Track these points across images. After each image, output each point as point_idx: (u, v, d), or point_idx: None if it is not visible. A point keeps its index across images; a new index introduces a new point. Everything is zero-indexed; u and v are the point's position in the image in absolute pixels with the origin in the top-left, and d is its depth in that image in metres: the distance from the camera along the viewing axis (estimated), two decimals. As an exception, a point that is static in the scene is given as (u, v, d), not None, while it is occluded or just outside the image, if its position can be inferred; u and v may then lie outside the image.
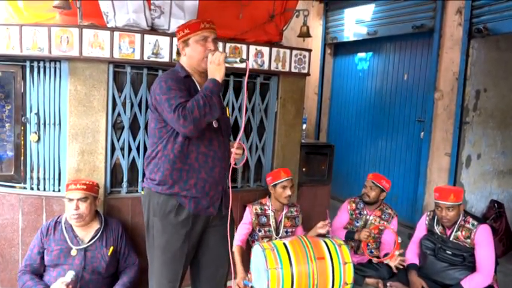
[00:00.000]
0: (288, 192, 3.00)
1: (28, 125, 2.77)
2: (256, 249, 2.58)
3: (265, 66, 3.17)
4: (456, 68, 4.11)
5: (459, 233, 2.82)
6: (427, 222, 3.03)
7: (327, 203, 3.67)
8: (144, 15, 2.75)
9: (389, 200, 3.81)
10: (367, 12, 5.25)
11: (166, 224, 2.03)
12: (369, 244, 3.24)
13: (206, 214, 2.08)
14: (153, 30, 2.84)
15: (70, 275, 2.32)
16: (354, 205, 3.40)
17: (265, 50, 3.15)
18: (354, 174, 5.58)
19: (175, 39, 2.49)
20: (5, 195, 2.73)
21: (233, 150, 2.10)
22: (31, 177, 2.80)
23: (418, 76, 4.71)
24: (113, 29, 2.70)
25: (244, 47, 3.08)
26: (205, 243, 2.16)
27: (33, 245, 2.52)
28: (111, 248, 2.54)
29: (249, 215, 3.05)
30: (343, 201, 3.55)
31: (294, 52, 3.26)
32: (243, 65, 1.98)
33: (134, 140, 2.89)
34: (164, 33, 2.83)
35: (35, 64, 2.73)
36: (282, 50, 3.22)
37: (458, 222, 2.83)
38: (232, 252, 2.26)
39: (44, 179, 2.80)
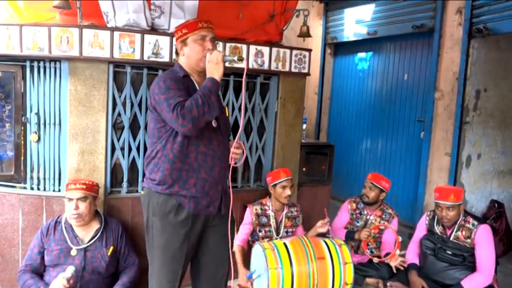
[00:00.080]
0: (288, 192, 3.00)
1: (28, 125, 2.78)
2: (256, 249, 2.58)
3: (265, 66, 3.17)
4: (456, 68, 4.11)
5: (459, 233, 2.82)
6: (427, 222, 3.03)
7: (327, 203, 3.66)
8: (144, 15, 2.75)
9: (389, 200, 3.80)
10: (367, 12, 5.25)
11: (165, 224, 2.03)
12: (369, 244, 3.24)
13: (206, 214, 2.08)
14: (153, 30, 2.84)
15: (70, 270, 2.31)
16: (354, 205, 3.39)
17: (265, 49, 3.15)
18: (354, 174, 5.57)
19: (175, 39, 2.49)
20: (5, 195, 2.73)
21: (232, 149, 2.10)
22: (31, 177, 2.81)
23: (418, 76, 4.70)
24: (113, 29, 2.70)
25: (244, 46, 3.08)
26: (205, 243, 2.16)
27: (33, 245, 2.52)
28: (111, 248, 2.54)
29: (249, 215, 3.05)
30: (343, 201, 3.54)
31: (294, 52, 3.26)
32: (242, 64, 1.98)
33: (134, 140, 2.89)
34: (164, 33, 2.83)
35: (35, 64, 2.74)
36: (282, 50, 3.22)
37: (458, 222, 2.83)
38: (233, 253, 2.26)
39: (44, 179, 2.80)
